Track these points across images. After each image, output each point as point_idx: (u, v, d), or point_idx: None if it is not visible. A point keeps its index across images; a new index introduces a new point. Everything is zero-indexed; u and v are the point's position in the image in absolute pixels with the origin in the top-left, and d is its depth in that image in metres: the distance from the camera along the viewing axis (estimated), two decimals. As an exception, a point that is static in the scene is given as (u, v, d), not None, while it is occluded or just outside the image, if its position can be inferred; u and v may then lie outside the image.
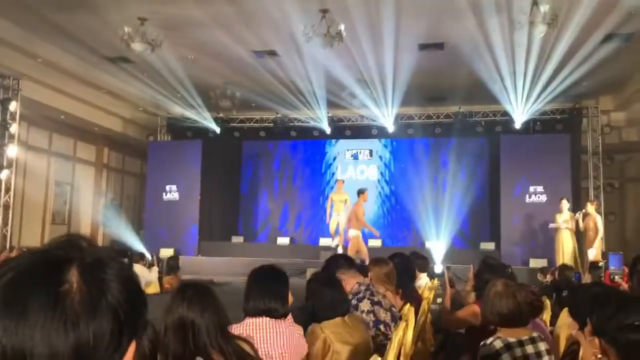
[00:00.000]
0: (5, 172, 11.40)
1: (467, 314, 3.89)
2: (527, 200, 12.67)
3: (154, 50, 10.07)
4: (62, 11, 9.40)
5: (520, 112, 12.89)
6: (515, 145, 13.13)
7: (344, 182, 13.16)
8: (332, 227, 12.86)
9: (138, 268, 8.24)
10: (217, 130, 15.10)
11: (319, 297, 3.01)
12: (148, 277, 8.40)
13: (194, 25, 9.96)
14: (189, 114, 14.58)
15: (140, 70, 11.95)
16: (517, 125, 13.17)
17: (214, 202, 14.97)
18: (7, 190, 11.52)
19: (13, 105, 11.37)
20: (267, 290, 2.66)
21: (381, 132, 14.60)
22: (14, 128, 11.49)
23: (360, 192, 11.16)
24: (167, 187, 14.40)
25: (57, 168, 14.47)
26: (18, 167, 12.00)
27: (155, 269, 9.15)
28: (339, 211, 12.80)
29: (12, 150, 11.53)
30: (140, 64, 11.53)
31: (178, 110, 14.71)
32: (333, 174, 15.61)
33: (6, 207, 11.51)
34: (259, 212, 15.98)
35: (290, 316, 2.78)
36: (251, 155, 16.23)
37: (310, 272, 7.77)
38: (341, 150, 15.62)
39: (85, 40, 10.61)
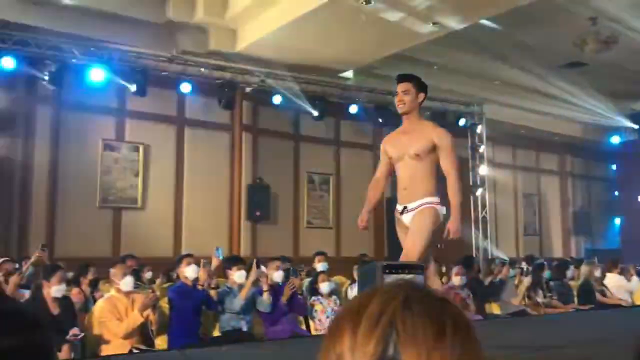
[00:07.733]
0: (480, 190, 12.64)
1: None
2: None
3: (611, 47, 9.59)
4: (515, 30, 9.90)
5: None
6: None
7: (425, 93, 4.08)
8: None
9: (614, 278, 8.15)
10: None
11: None
12: (627, 286, 8.14)
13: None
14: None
15: (594, 70, 11.52)
16: None
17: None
18: (483, 206, 12.71)
19: (479, 129, 12.58)
20: None
21: None
22: (482, 149, 12.68)
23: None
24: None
25: (523, 180, 15.18)
26: (488, 184, 13.12)
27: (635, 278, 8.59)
28: (407, 189, 4.04)
29: (483, 170, 12.72)
30: (593, 65, 11.12)
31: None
32: None
33: (484, 221, 12.71)
34: None
35: None
36: None
37: None
38: None
39: (537, 54, 10.88)
